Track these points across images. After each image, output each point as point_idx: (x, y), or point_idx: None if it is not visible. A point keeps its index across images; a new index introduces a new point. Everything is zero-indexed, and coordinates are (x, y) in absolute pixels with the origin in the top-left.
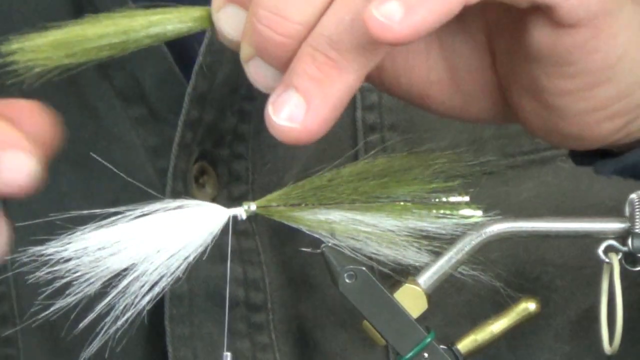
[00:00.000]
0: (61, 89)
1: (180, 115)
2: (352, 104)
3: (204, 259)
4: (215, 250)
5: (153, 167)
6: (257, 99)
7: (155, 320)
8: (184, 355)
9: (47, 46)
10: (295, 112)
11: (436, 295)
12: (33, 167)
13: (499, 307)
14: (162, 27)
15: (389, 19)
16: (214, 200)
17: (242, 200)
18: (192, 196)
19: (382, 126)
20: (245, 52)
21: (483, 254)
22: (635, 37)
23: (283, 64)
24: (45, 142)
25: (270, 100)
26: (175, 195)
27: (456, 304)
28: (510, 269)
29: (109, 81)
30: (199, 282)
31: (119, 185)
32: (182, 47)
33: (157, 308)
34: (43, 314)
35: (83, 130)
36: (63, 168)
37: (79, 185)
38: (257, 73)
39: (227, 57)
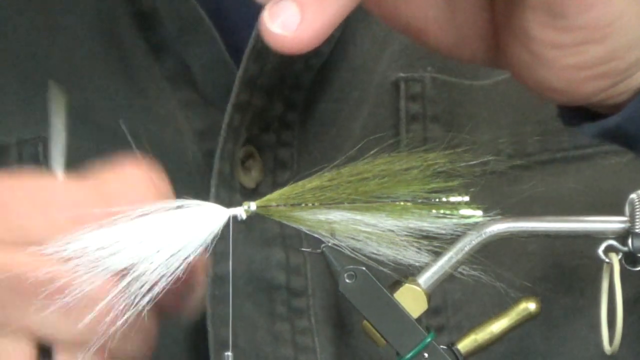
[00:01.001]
0: (111, 69)
1: (230, 98)
2: (396, 94)
3: (243, 243)
4: (258, 234)
5: (200, 149)
6: (304, 89)
7: None
8: (224, 334)
9: None
10: (290, 20)
11: (472, 285)
12: None
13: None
14: None
15: None
16: (258, 185)
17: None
18: (238, 179)
19: (424, 117)
20: None
21: (520, 245)
22: (633, 2)
23: None
24: None
25: (267, 6)
26: (222, 177)
27: (492, 294)
28: (547, 261)
29: (159, 64)
30: (241, 264)
31: (168, 167)
32: (230, 33)
33: None
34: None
35: (131, 111)
36: (112, 148)
37: None
38: None
39: None
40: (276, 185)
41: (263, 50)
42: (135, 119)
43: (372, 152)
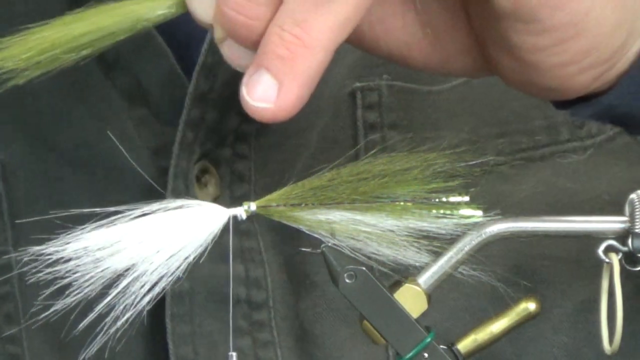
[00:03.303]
0: (64, 90)
1: (182, 115)
2: (352, 103)
3: (202, 259)
4: (216, 249)
5: (155, 167)
6: None
7: (155, 318)
8: (185, 353)
9: (32, 51)
10: (268, 92)
11: (435, 290)
12: None
13: (498, 300)
14: (138, 17)
15: None
16: (216, 200)
17: (244, 200)
18: (193, 196)
19: (382, 125)
20: (218, 34)
21: (482, 250)
22: None
23: (254, 44)
24: None
25: (244, 81)
26: (176, 194)
27: (455, 298)
28: (508, 263)
29: (112, 83)
30: (200, 280)
31: (122, 187)
32: (184, 48)
33: (158, 307)
34: (44, 315)
35: (86, 132)
36: (67, 171)
37: (83, 188)
38: (231, 54)
39: None
40: (234, 199)
41: (214, 66)
42: (89, 140)
43: (372, 151)
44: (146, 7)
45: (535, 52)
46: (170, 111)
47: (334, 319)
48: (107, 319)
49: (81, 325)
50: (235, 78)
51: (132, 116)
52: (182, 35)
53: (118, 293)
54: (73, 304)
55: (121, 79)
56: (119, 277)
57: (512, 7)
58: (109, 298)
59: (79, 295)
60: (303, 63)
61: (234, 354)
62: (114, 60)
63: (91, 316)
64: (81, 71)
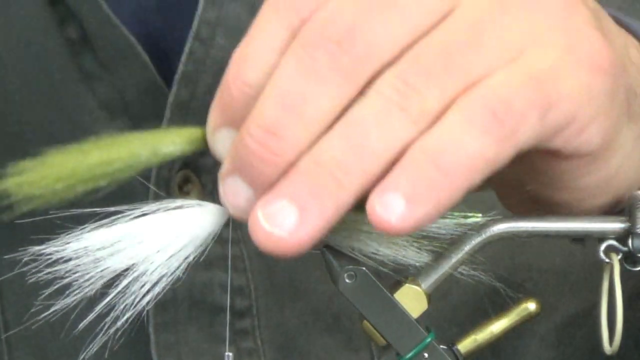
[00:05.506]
0: (44, 101)
1: (162, 124)
2: None
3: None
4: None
5: (137, 176)
6: None
7: (139, 327)
8: None
9: (46, 179)
10: (288, 222)
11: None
12: None
13: (480, 295)
14: (157, 150)
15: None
16: None
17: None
18: None
19: None
20: (226, 167)
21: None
22: (630, 152)
23: (262, 184)
24: None
25: (259, 205)
26: None
27: (439, 288)
28: (493, 275)
29: (92, 93)
30: (183, 289)
31: (102, 195)
32: (163, 57)
33: (141, 315)
34: (35, 319)
35: (67, 143)
36: None
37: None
38: (231, 191)
39: (209, 65)
40: None
41: (194, 74)
42: None
43: None
44: (165, 141)
45: (556, 204)
46: (151, 120)
47: (318, 328)
48: (106, 319)
49: (81, 324)
50: (214, 86)
51: (114, 127)
52: (161, 45)
53: (118, 293)
54: (73, 304)
55: (101, 89)
56: (118, 277)
57: (543, 170)
58: (108, 298)
59: (78, 296)
60: (332, 201)
61: (230, 354)
62: (94, 71)
63: (90, 317)
64: (61, 81)
